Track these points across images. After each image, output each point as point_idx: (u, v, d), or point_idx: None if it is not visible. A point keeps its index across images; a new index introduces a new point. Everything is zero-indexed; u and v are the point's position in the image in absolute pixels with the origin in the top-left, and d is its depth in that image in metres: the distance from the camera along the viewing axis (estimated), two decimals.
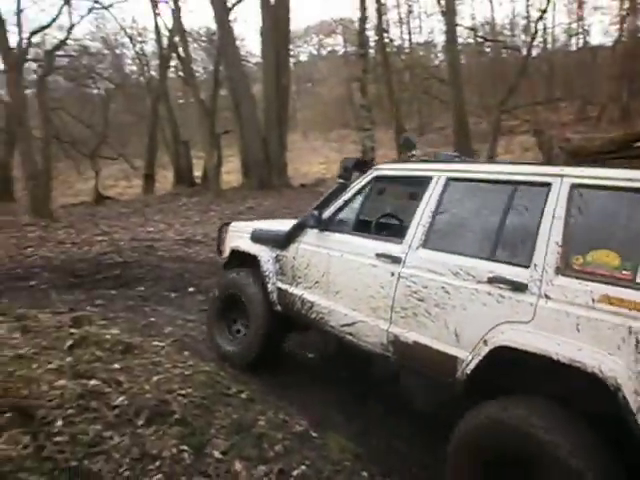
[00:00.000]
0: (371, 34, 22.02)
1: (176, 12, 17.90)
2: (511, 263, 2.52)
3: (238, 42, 20.10)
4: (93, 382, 3.07)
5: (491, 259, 2.61)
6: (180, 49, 19.76)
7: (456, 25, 18.53)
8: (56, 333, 3.96)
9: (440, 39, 26.35)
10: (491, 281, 2.55)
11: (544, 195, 2.48)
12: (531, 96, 20.38)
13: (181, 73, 22.12)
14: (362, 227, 3.54)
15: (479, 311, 2.57)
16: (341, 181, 3.85)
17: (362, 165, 3.86)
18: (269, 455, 2.88)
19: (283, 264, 3.92)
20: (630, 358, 2.06)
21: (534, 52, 21.27)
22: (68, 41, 19.08)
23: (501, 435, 2.33)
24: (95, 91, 24.22)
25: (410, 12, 29.30)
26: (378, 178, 3.52)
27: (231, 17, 18.45)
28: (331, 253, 3.51)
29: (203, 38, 25.60)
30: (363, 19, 15.33)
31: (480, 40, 24.25)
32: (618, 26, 21.49)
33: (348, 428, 3.41)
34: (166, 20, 30.55)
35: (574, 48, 26.25)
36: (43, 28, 17.76)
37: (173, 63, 22.85)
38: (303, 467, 2.84)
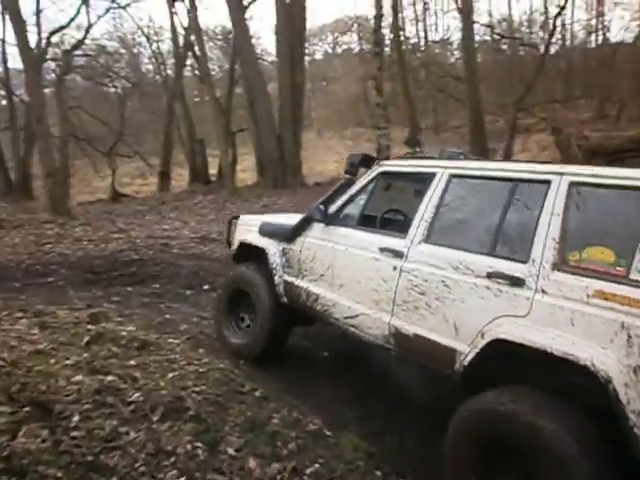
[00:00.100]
0: (387, 32, 21.96)
1: (192, 11, 17.95)
2: (510, 258, 2.58)
3: (253, 40, 20.22)
4: (109, 378, 3.11)
5: (490, 254, 2.67)
6: (196, 48, 19.84)
7: (473, 22, 18.37)
8: (74, 329, 4.01)
9: (456, 37, 26.04)
10: (490, 276, 2.61)
11: (543, 192, 2.55)
12: (549, 94, 20.15)
13: (197, 72, 22.25)
14: (367, 222, 3.62)
15: (477, 305, 2.64)
16: (347, 176, 3.90)
17: (368, 161, 3.91)
18: (283, 453, 2.89)
19: (290, 257, 3.99)
20: (622, 352, 2.12)
21: (552, 49, 21.04)
22: (86, 41, 19.38)
23: (495, 422, 2.40)
24: (112, 90, 24.48)
25: (426, 9, 29.09)
26: (383, 174, 3.60)
27: (247, 15, 18.54)
28: (336, 247, 3.58)
29: (219, 37, 25.80)
30: (379, 17, 15.23)
31: (497, 37, 24.03)
32: (639, 22, 21.11)
33: (362, 427, 3.41)
34: (182, 19, 30.78)
35: (593, 45, 25.85)
36: (62, 28, 18.04)
37: (189, 62, 23.02)
38: (316, 465, 2.84)
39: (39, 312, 4.49)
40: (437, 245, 2.95)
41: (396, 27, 21.76)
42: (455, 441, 2.56)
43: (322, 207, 3.73)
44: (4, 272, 7.28)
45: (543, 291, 2.41)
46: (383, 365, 3.99)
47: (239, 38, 17.93)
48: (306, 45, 21.72)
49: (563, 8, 18.12)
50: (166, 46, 27.44)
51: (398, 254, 3.11)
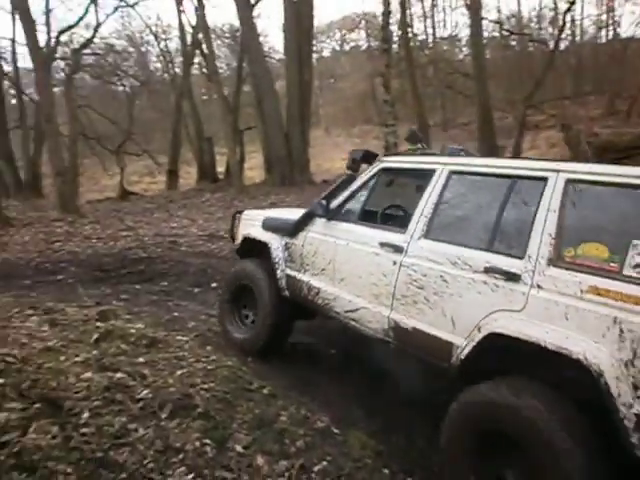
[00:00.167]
0: (394, 29, 21.87)
1: (200, 9, 17.98)
2: (506, 254, 2.63)
3: (261, 38, 20.19)
4: (118, 375, 3.13)
5: (488, 250, 2.72)
6: (204, 46, 19.88)
7: (481, 18, 18.21)
8: (83, 326, 4.04)
9: (465, 33, 25.96)
10: (487, 271, 2.66)
11: (540, 189, 2.59)
12: (558, 90, 19.99)
13: (205, 70, 22.31)
14: (368, 217, 3.67)
15: (475, 299, 2.68)
16: (349, 172, 3.95)
17: (369, 157, 3.95)
18: (291, 450, 2.90)
19: (292, 251, 4.05)
20: (614, 346, 2.17)
21: (562, 45, 20.85)
22: (95, 39, 19.44)
23: (489, 411, 2.45)
24: (120, 88, 24.57)
25: (434, 6, 28.98)
26: (384, 170, 3.65)
27: (254, 13, 18.53)
28: (337, 241, 3.64)
29: (226, 35, 25.78)
30: (387, 13, 15.17)
31: (506, 33, 23.83)
32: None
33: (369, 424, 3.41)
34: (190, 17, 30.84)
35: (604, 40, 25.61)
36: (70, 27, 18.12)
37: (197, 60, 23.06)
38: (324, 463, 2.85)
39: (49, 309, 4.52)
40: (436, 240, 3.00)
41: (404, 24, 21.64)
42: (451, 433, 2.61)
43: (324, 202, 3.79)
44: (15, 270, 7.35)
45: (539, 286, 2.46)
46: (391, 363, 3.98)
47: (247, 36, 17.93)
48: (314, 42, 21.72)
49: (573, 3, 17.95)
50: (174, 44, 27.62)
51: (398, 249, 3.16)
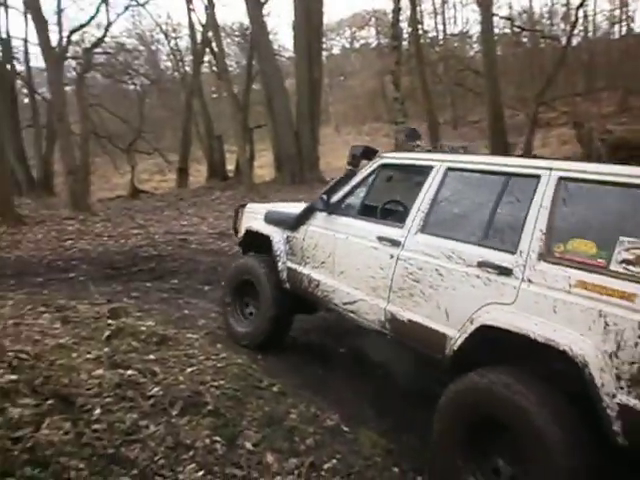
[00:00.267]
0: (405, 25, 21.77)
1: (210, 8, 18.00)
2: (499, 249, 2.70)
3: (271, 36, 20.18)
4: (129, 372, 3.16)
5: (481, 245, 2.79)
6: (214, 44, 19.89)
7: (492, 15, 18.09)
8: (94, 324, 4.08)
9: (475, 29, 25.81)
10: (480, 265, 2.73)
11: (533, 186, 2.65)
12: (570, 87, 19.79)
13: (215, 68, 22.35)
14: (367, 212, 3.75)
15: (468, 292, 2.76)
16: (349, 168, 4.01)
17: (369, 153, 4.00)
18: (300, 448, 2.91)
19: (293, 245, 4.13)
20: (598, 339, 2.24)
21: (574, 41, 20.64)
22: (106, 39, 19.60)
23: (478, 398, 2.52)
24: (131, 87, 24.74)
25: (445, 2, 28.85)
26: (383, 166, 3.72)
27: (264, 12, 18.55)
28: (337, 235, 3.71)
29: (236, 33, 25.85)
30: (397, 10, 15.12)
31: (517, 30, 23.65)
32: None
33: (380, 423, 3.40)
34: (200, 16, 30.85)
35: (617, 36, 25.30)
36: (82, 26, 18.27)
37: (207, 58, 23.10)
38: (334, 461, 2.85)
39: (61, 307, 4.57)
40: (432, 235, 3.07)
41: (414, 20, 21.56)
42: (442, 424, 2.66)
43: (325, 197, 3.86)
44: (27, 267, 7.42)
45: (529, 280, 2.52)
46: (401, 362, 3.97)
47: (257, 34, 17.94)
48: (323, 40, 21.68)
49: None
50: (184, 43, 27.73)
51: (395, 243, 3.23)
